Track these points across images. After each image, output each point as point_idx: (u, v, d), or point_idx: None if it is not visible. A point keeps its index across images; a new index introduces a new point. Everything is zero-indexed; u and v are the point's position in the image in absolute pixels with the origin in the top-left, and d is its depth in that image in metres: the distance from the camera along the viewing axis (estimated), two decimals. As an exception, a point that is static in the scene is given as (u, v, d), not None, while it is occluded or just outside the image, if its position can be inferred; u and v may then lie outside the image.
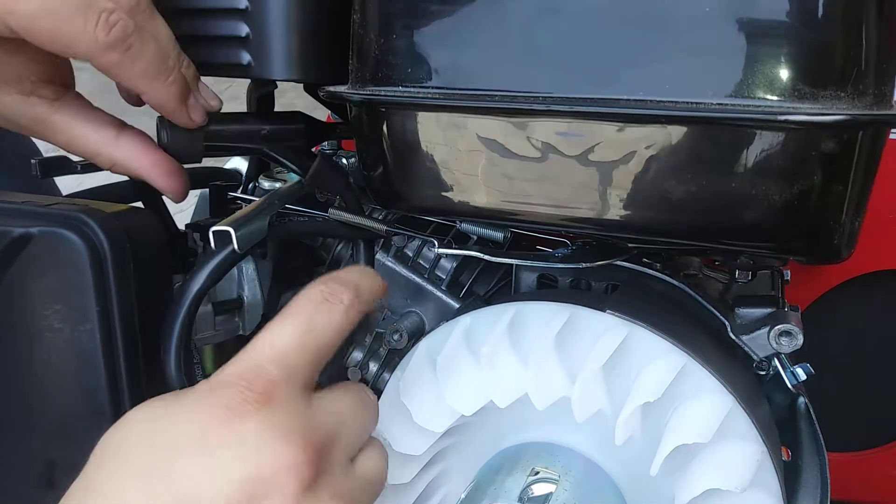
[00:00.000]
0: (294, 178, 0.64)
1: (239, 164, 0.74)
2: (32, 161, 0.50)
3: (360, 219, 0.53)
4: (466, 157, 0.42)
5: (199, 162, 0.51)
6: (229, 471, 0.31)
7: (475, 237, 0.56)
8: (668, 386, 0.44)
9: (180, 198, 0.51)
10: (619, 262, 0.54)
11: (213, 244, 0.44)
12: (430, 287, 0.63)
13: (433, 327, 0.53)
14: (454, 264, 0.64)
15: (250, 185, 0.66)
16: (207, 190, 0.66)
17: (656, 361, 0.45)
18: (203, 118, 0.49)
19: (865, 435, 0.78)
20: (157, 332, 0.46)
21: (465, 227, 0.55)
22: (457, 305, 0.62)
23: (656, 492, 0.47)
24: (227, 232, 0.43)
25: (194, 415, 0.32)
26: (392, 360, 0.68)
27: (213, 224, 0.44)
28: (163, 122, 0.50)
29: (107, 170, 0.49)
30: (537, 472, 0.47)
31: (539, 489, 0.46)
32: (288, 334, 0.36)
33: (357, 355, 0.68)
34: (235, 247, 0.43)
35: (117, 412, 0.46)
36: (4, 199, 0.47)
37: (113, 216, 0.46)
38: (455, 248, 0.51)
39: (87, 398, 0.46)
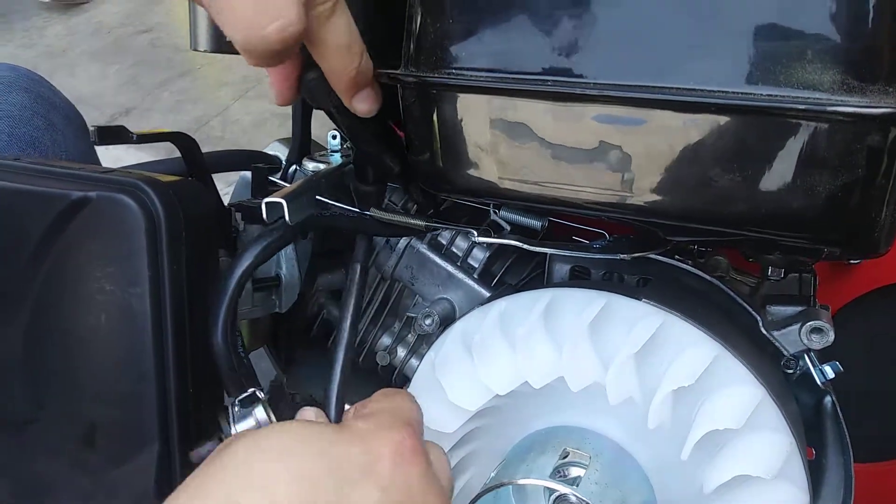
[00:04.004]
0: (337, 160, 0.66)
1: (279, 149, 0.75)
2: (91, 128, 0.51)
3: (400, 217, 0.55)
4: (516, 140, 0.43)
5: (322, 109, 0.49)
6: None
7: (509, 227, 0.57)
8: (702, 373, 0.45)
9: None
10: (653, 256, 0.55)
11: (264, 215, 0.45)
12: (462, 275, 0.64)
13: (464, 314, 0.54)
14: (487, 254, 0.65)
15: (291, 170, 0.67)
16: (248, 172, 0.68)
17: (690, 349, 0.46)
18: (367, 111, 0.44)
19: (884, 447, 0.78)
20: (205, 301, 0.48)
21: (503, 215, 0.57)
22: (488, 294, 0.64)
23: (682, 478, 0.48)
24: (279, 203, 0.45)
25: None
26: (420, 346, 0.69)
27: (257, 203, 0.46)
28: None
29: None
30: (567, 454, 0.48)
31: (569, 471, 0.47)
32: None
33: (386, 340, 0.69)
34: (287, 218, 0.45)
35: (161, 378, 0.47)
36: (62, 164, 0.49)
37: (169, 186, 0.47)
38: (493, 238, 0.52)
39: (132, 362, 0.47)
